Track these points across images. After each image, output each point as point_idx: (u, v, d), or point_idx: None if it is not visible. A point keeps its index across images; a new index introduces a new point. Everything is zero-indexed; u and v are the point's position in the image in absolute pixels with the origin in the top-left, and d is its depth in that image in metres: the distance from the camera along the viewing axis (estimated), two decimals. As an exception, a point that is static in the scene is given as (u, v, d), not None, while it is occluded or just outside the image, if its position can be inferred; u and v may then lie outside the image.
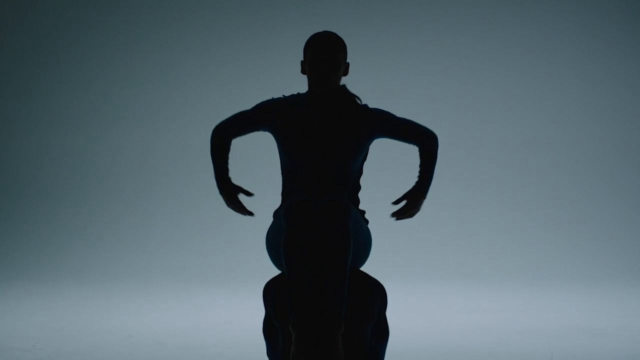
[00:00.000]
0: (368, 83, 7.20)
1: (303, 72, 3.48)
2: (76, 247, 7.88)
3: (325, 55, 3.39)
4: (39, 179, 8.34)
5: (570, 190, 7.98)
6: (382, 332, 3.36)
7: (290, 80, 5.87)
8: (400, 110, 3.67)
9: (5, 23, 8.45)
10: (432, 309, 5.87)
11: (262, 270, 4.54)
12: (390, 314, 3.71)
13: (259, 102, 3.55)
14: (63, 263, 7.64)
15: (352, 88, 3.56)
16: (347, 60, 3.51)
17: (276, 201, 3.65)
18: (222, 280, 7.10)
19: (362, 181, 3.61)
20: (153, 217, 8.09)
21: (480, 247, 7.64)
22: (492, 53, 8.09)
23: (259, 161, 7.72)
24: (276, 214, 3.49)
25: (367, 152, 3.57)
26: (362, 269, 3.46)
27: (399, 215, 3.50)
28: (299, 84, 4.27)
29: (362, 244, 3.39)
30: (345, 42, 3.48)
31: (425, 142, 3.54)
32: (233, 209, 3.55)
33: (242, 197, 3.57)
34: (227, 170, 3.57)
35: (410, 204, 3.50)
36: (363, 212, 3.54)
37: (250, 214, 3.54)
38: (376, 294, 3.32)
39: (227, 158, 3.58)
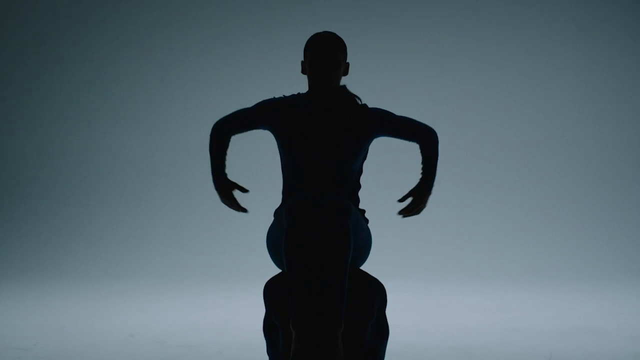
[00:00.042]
0: (368, 83, 7.21)
1: (303, 72, 3.49)
2: (76, 247, 7.88)
3: (325, 54, 3.40)
4: (39, 179, 8.35)
5: (570, 190, 7.98)
6: (382, 331, 3.37)
7: (290, 80, 5.88)
8: (400, 110, 3.68)
9: (6, 23, 8.46)
10: (432, 309, 5.88)
11: (262, 270, 4.54)
12: (390, 313, 3.71)
13: (260, 100, 3.56)
14: (63, 263, 7.65)
15: (352, 88, 3.57)
16: (347, 61, 3.52)
17: (276, 201, 3.65)
18: (222, 280, 7.11)
19: (362, 181, 3.62)
20: (153, 217, 8.10)
21: (480, 247, 7.65)
22: (492, 53, 8.10)
23: (259, 161, 7.73)
24: (277, 213, 3.50)
25: (367, 151, 3.58)
26: (362, 267, 3.47)
27: (405, 212, 3.51)
28: (299, 84, 4.28)
29: (362, 244, 3.39)
30: (345, 42, 3.49)
31: (424, 138, 3.54)
32: (227, 204, 3.56)
33: (237, 194, 3.58)
34: (224, 166, 3.58)
35: (416, 201, 3.51)
36: (363, 211, 3.55)
37: (244, 210, 3.55)
38: (376, 292, 3.33)
39: (225, 154, 3.58)
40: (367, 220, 3.54)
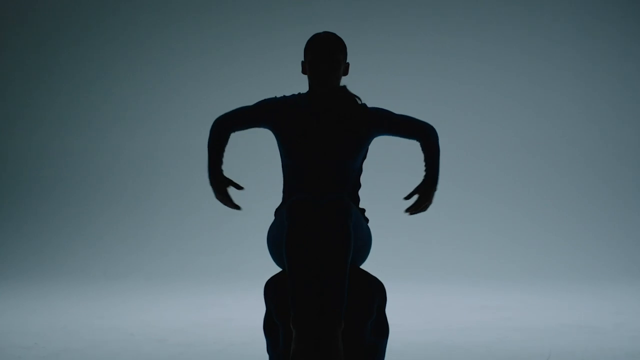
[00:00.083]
0: (368, 83, 7.21)
1: (304, 72, 3.50)
2: (76, 247, 7.88)
3: (325, 55, 3.41)
4: (40, 179, 8.35)
5: (570, 190, 7.99)
6: (382, 329, 3.37)
7: (290, 80, 5.88)
8: (400, 110, 3.68)
9: (6, 23, 8.46)
10: (432, 308, 5.88)
11: (262, 269, 4.55)
12: (390, 312, 3.72)
13: (262, 99, 3.57)
14: (63, 263, 7.65)
15: (352, 88, 3.58)
16: (347, 61, 3.52)
17: (276, 201, 3.66)
18: (222, 279, 7.11)
19: (362, 180, 3.62)
20: (153, 217, 8.10)
21: (480, 247, 7.65)
22: (492, 53, 8.10)
23: (259, 161, 7.74)
24: (277, 212, 3.50)
25: (367, 150, 3.58)
26: (362, 267, 3.47)
27: (412, 210, 3.51)
28: (299, 84, 4.28)
29: (362, 243, 3.40)
30: (345, 43, 3.50)
31: (425, 136, 3.55)
32: (221, 200, 3.56)
33: (233, 191, 3.58)
34: (221, 162, 3.58)
35: (422, 198, 3.51)
36: (363, 210, 3.55)
37: (237, 207, 3.55)
38: (376, 291, 3.33)
39: (223, 150, 3.58)
40: (367, 220, 3.54)
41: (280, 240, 3.29)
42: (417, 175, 3.60)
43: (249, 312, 5.42)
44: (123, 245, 7.89)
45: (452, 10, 8.12)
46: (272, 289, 3.33)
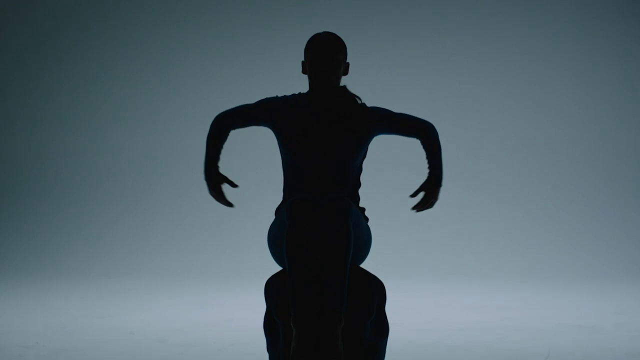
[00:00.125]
0: (368, 83, 7.22)
1: (304, 72, 3.51)
2: (76, 247, 7.89)
3: (325, 55, 3.41)
4: (40, 179, 8.36)
5: (570, 190, 7.99)
6: (382, 328, 3.37)
7: (290, 80, 5.89)
8: (400, 110, 3.68)
9: (6, 23, 8.46)
10: (432, 307, 5.89)
11: (262, 269, 4.55)
12: (390, 311, 3.72)
13: (263, 98, 3.58)
14: (63, 262, 7.66)
15: (352, 88, 3.58)
16: (347, 61, 3.53)
17: (276, 200, 3.66)
18: (222, 279, 7.12)
19: (362, 179, 3.63)
20: (153, 217, 8.10)
21: (480, 247, 7.66)
22: (492, 53, 8.11)
23: (259, 161, 7.74)
24: (278, 211, 3.51)
25: (367, 150, 3.59)
26: (362, 266, 3.48)
27: (419, 207, 3.52)
28: (299, 84, 4.29)
29: (362, 242, 3.40)
30: (345, 43, 3.50)
31: (424, 134, 3.56)
32: (214, 196, 3.57)
33: (232, 190, 3.58)
34: (218, 158, 3.59)
35: (428, 195, 3.53)
36: (363, 209, 3.55)
37: (230, 204, 3.56)
38: (375, 290, 3.34)
39: (221, 147, 3.59)
40: (367, 219, 3.55)
41: (280, 239, 3.30)
42: (417, 174, 3.60)
43: (249, 312, 5.42)
44: (123, 245, 7.89)
45: (452, 10, 8.12)
46: (272, 287, 3.33)
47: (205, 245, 7.79)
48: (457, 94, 8.09)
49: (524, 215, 7.88)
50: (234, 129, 3.59)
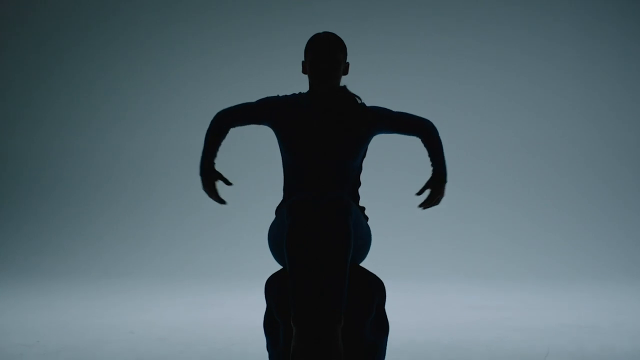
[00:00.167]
0: (368, 83, 7.22)
1: (304, 71, 3.52)
2: (76, 247, 7.89)
3: (325, 54, 3.42)
4: (40, 179, 8.36)
5: (570, 190, 7.99)
6: (382, 327, 3.37)
7: (290, 80, 5.89)
8: (400, 110, 3.69)
9: (6, 23, 8.47)
10: (432, 306, 5.89)
11: (262, 268, 4.55)
12: (390, 311, 3.72)
13: (264, 97, 3.58)
14: (64, 262, 7.66)
15: (352, 88, 3.59)
16: (347, 60, 3.54)
17: (276, 200, 3.66)
18: (222, 279, 7.12)
19: (362, 179, 3.63)
20: (153, 217, 8.10)
21: (480, 247, 7.66)
22: (492, 54, 8.11)
23: (259, 161, 7.74)
24: (278, 210, 3.51)
25: (367, 149, 3.59)
26: (361, 265, 3.48)
27: (425, 205, 3.54)
28: (299, 84, 4.29)
29: (362, 242, 3.40)
30: (345, 43, 3.51)
31: (425, 132, 3.57)
32: (207, 193, 3.58)
33: (232, 188, 3.59)
34: (215, 155, 3.60)
35: (434, 192, 3.54)
36: (363, 208, 3.56)
37: (223, 202, 3.56)
38: (375, 289, 3.34)
39: (219, 144, 3.60)
40: (366, 218, 3.55)
41: (280, 239, 3.30)
42: (417, 173, 3.61)
43: (249, 311, 5.43)
44: (123, 245, 7.90)
45: (452, 10, 8.12)
46: (273, 286, 3.33)
47: (205, 245, 7.79)
48: (457, 94, 8.10)
49: (524, 215, 7.88)
50: (234, 126, 3.60)
